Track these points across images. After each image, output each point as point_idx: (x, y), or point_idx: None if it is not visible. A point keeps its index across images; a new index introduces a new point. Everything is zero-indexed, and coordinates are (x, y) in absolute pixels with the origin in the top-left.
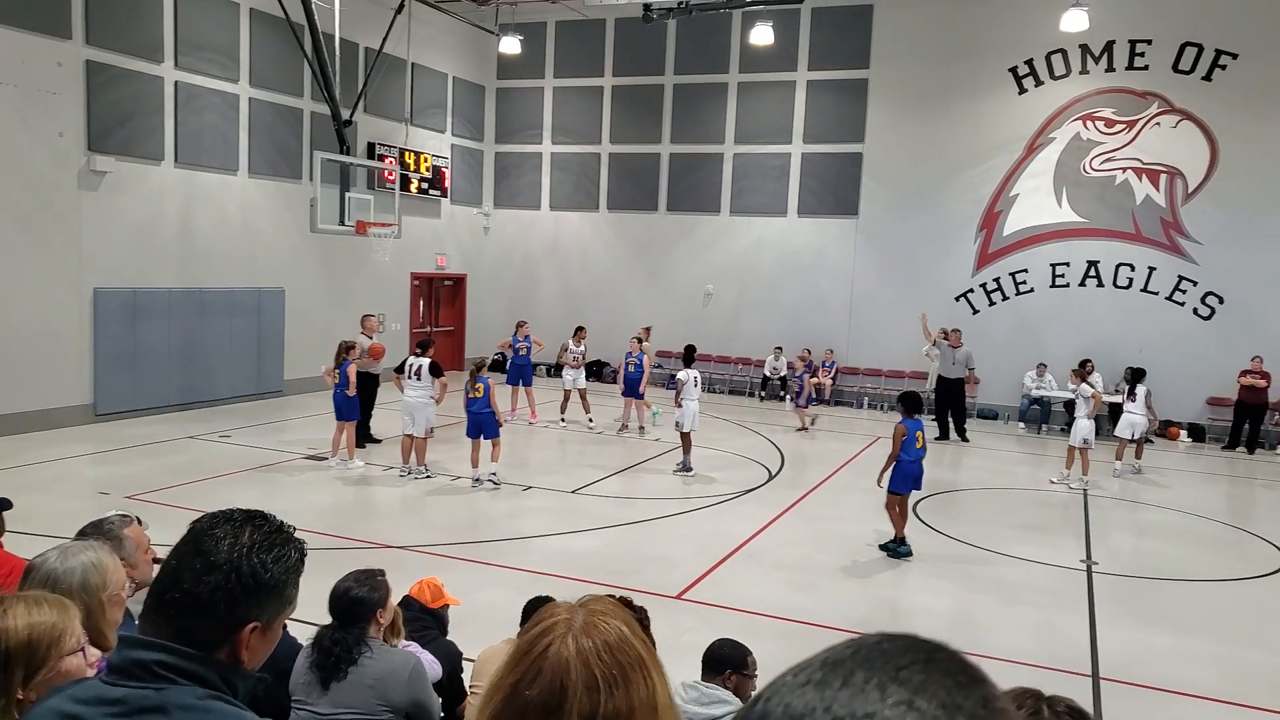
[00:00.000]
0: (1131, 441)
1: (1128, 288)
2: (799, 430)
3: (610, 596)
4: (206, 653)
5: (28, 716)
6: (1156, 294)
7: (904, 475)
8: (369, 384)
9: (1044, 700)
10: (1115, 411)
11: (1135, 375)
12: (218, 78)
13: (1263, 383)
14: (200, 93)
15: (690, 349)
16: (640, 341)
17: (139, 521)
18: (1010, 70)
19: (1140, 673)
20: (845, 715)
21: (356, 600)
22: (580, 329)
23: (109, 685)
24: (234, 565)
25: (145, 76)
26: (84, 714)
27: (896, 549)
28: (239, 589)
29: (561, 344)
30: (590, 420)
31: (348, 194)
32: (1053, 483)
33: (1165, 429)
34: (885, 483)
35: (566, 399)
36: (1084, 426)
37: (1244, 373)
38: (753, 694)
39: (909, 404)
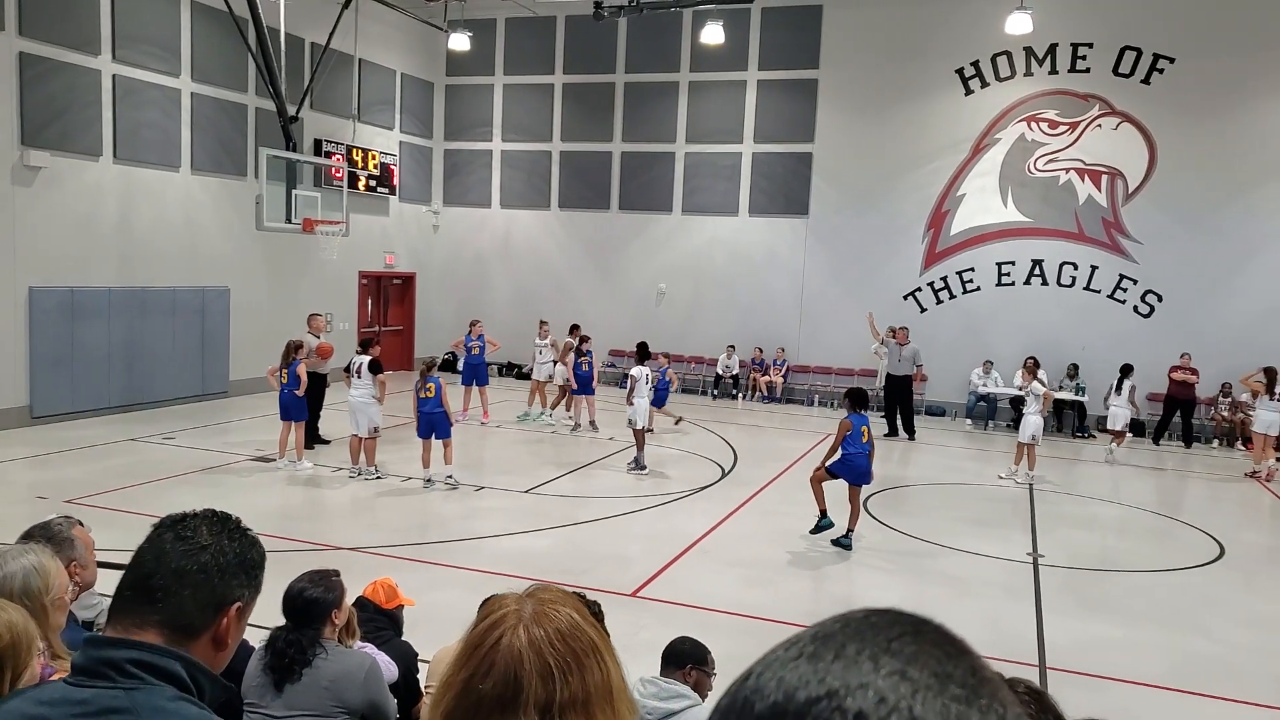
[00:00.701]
0: (1118, 432)
1: (1071, 286)
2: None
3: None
4: (187, 641)
5: None
6: (1099, 292)
7: (848, 466)
8: (316, 384)
9: (1004, 682)
10: (1059, 407)
11: (1123, 371)
12: (158, 71)
13: (1193, 378)
14: (139, 87)
15: (643, 346)
16: (578, 339)
17: (81, 524)
18: (957, 71)
19: (1086, 662)
20: (840, 687)
21: (311, 601)
22: (575, 326)
23: (74, 686)
24: (219, 545)
25: (81, 69)
26: (49, 715)
27: (819, 524)
28: (228, 565)
29: (566, 343)
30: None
31: (294, 191)
32: (1001, 478)
33: (1106, 425)
34: (824, 470)
35: (567, 396)
36: (1033, 423)
37: (1174, 368)
38: (709, 690)
39: (855, 400)
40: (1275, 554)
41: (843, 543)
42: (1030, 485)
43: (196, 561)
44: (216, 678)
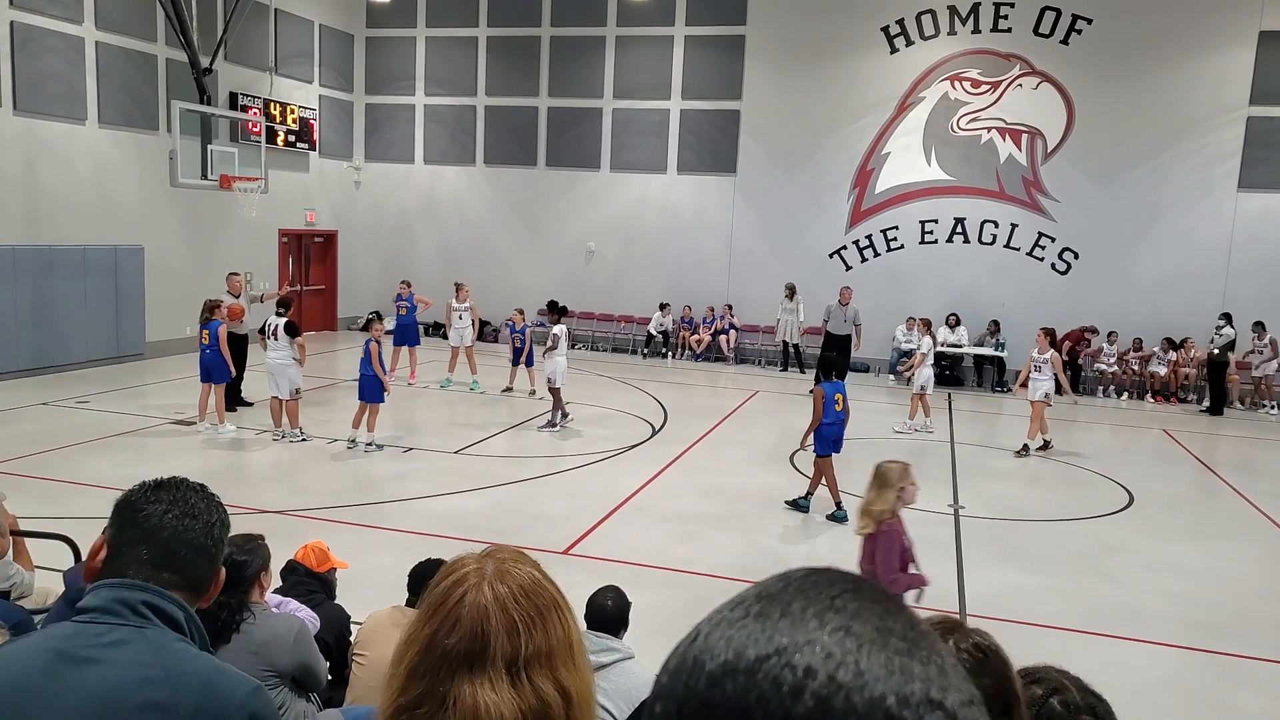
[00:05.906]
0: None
1: (992, 244)
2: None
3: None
4: (195, 598)
5: (4, 652)
6: (1018, 250)
7: (822, 438)
8: (237, 345)
9: (941, 632)
10: (980, 363)
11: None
12: (58, 18)
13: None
14: (39, 34)
15: (553, 303)
16: (521, 312)
17: None
18: (882, 30)
19: (1004, 609)
20: (788, 644)
21: (241, 564)
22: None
23: (85, 624)
24: (218, 520)
25: None
26: (64, 646)
27: (798, 502)
28: (222, 536)
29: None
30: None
31: (210, 146)
32: (916, 431)
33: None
34: (809, 444)
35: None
36: (924, 374)
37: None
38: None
39: (824, 367)
40: (1179, 502)
41: (801, 505)
42: (915, 432)
43: (210, 538)
44: (204, 633)
